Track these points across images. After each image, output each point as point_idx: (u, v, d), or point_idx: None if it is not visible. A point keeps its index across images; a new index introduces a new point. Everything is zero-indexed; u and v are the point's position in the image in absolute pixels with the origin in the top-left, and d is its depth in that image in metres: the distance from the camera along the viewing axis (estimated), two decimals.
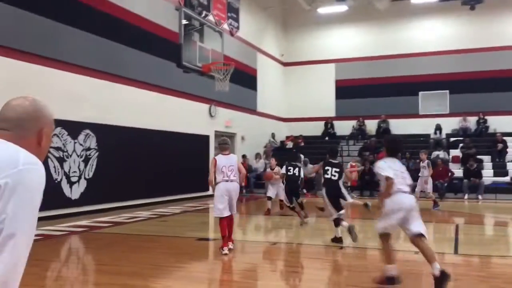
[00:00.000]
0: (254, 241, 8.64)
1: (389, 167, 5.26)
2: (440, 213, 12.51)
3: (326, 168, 7.89)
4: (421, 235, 5.02)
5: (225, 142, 7.29)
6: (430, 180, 13.40)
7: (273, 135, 22.52)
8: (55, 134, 10.51)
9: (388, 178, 5.15)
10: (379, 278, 5.17)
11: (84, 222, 10.05)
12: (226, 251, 6.75)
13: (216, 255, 7.48)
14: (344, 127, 22.95)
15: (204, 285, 5.48)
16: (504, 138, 19.46)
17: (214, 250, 7.81)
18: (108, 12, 12.32)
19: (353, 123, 22.83)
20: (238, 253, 7.51)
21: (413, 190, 11.39)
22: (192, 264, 6.67)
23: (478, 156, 18.48)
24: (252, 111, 20.82)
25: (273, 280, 5.80)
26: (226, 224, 6.90)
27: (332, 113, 23.84)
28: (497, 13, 21.52)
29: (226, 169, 6.93)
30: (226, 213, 6.88)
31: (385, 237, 5.29)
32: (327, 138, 23.34)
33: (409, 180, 5.36)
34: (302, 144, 22.23)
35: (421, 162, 13.80)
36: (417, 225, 5.07)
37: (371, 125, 22.92)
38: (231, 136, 19.41)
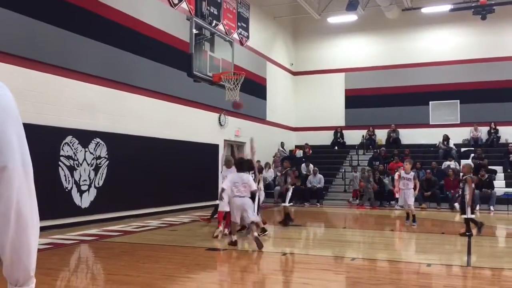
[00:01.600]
0: (264, 251, 8.59)
1: (229, 180, 8.14)
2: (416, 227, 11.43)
3: None
4: (253, 222, 8.17)
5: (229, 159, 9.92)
6: (412, 194, 11.75)
7: (282, 144, 22.49)
8: (66, 143, 10.58)
9: (222, 189, 8.42)
10: (229, 242, 8.12)
11: (94, 231, 10.06)
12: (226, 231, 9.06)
13: (227, 266, 7.44)
14: (353, 137, 22.88)
15: None
16: None
17: (225, 261, 7.77)
18: (119, 21, 12.42)
19: (362, 132, 22.75)
20: (249, 264, 7.47)
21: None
22: (203, 275, 6.63)
23: (490, 167, 18.30)
24: (262, 120, 20.82)
25: None
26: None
27: (341, 122, 23.79)
28: (508, 23, 21.43)
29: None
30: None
31: (233, 223, 8.23)
32: (336, 148, 23.28)
33: (252, 187, 8.10)
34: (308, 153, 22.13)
35: (403, 172, 12.00)
36: (251, 217, 8.07)
37: (381, 135, 22.84)
38: (241, 145, 19.43)
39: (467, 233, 9.81)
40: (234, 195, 8.05)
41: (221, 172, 10.41)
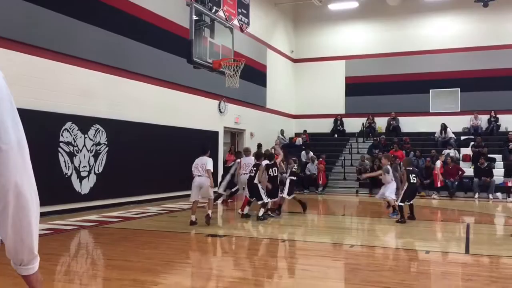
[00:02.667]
0: (263, 238, 8.63)
1: (195, 163, 9.15)
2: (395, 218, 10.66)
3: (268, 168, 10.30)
4: (198, 200, 9.28)
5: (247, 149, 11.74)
6: (390, 186, 11.00)
7: (282, 132, 22.48)
8: (65, 129, 10.57)
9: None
10: (191, 222, 9.02)
11: (93, 217, 10.10)
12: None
13: (227, 252, 7.48)
14: (353, 124, 22.85)
15: (213, 282, 5.47)
16: None
17: (224, 247, 7.81)
18: (120, 7, 12.33)
19: (362, 120, 22.73)
20: (248, 250, 7.51)
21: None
22: (202, 261, 6.67)
23: (490, 155, 18.31)
24: (261, 107, 20.78)
25: (283, 277, 5.79)
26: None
27: (341, 110, 23.74)
28: (510, 10, 21.28)
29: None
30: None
31: (194, 202, 9.18)
32: (336, 136, 23.27)
33: (207, 167, 8.97)
34: (304, 140, 22.13)
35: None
36: (206, 193, 9.12)
37: (381, 123, 22.81)
38: (240, 132, 19.42)
39: (400, 220, 9.94)
40: (194, 175, 9.13)
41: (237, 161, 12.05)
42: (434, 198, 16.69)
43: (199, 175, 9.07)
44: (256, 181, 10.05)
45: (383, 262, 6.56)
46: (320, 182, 18.56)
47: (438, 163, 17.19)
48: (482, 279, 5.47)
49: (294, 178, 11.08)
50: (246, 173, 10.52)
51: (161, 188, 13.76)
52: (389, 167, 10.96)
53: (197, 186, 9.10)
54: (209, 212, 9.16)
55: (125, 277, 5.25)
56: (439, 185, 17.00)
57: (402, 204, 10.12)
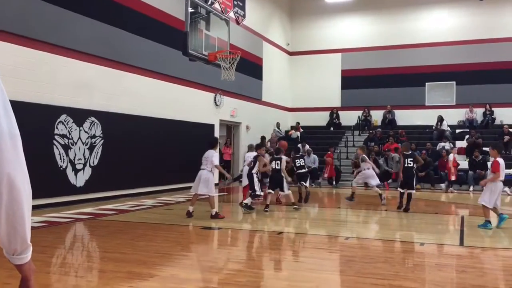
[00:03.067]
0: (260, 230, 8.65)
1: (203, 157, 9.26)
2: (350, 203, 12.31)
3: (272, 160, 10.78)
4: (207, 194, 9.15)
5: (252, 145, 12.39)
6: (370, 174, 12.22)
7: (278, 125, 22.47)
8: (60, 121, 10.53)
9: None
10: (187, 213, 9.16)
11: (89, 210, 10.09)
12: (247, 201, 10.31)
13: (222, 244, 7.50)
14: (349, 117, 22.88)
15: (209, 274, 5.48)
16: (511, 130, 19.30)
17: (219, 239, 7.82)
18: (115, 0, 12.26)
19: (358, 113, 22.75)
20: (243, 242, 7.52)
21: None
22: (198, 253, 6.68)
23: (484, 148, 18.35)
24: (257, 100, 20.75)
25: (279, 269, 5.80)
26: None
27: (337, 103, 23.75)
28: (506, 4, 21.31)
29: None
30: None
31: (194, 194, 9.35)
32: (332, 128, 23.29)
33: (214, 163, 9.08)
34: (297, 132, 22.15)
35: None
36: (202, 188, 9.05)
37: (377, 116, 22.84)
38: (236, 125, 19.39)
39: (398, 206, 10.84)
40: (201, 168, 9.30)
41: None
42: (433, 191, 16.76)
43: (202, 168, 9.29)
44: (254, 171, 10.50)
45: (378, 254, 6.58)
46: (326, 175, 18.55)
47: (451, 156, 17.18)
48: (476, 271, 5.51)
49: (305, 170, 12.10)
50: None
51: (156, 180, 13.75)
52: (364, 155, 12.23)
53: (197, 179, 9.28)
54: (213, 211, 9.20)
55: (120, 269, 5.25)
56: (453, 178, 16.95)
57: (402, 190, 10.60)
